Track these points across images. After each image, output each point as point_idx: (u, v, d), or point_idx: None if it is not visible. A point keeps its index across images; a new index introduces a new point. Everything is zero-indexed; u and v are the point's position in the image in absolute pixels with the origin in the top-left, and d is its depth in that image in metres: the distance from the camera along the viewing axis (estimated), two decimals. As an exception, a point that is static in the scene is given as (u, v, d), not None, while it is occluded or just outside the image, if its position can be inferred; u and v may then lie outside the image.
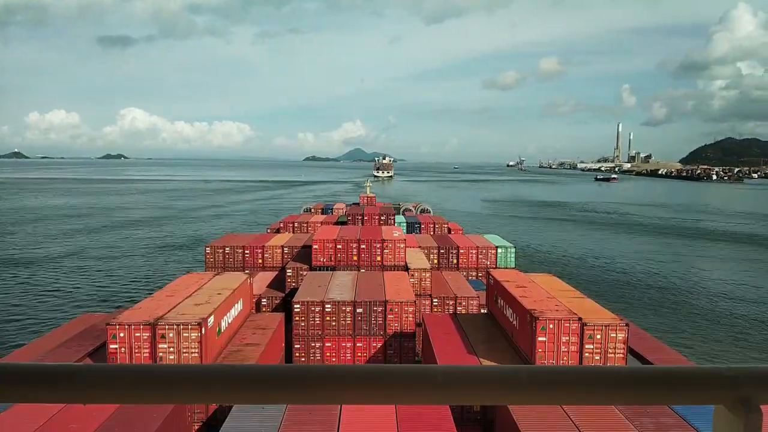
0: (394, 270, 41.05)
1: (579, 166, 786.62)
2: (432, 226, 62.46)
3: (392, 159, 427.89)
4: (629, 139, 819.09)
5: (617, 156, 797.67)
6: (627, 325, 24.66)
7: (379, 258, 42.40)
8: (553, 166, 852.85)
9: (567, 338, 24.27)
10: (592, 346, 24.29)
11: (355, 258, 42.37)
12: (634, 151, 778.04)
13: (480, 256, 48.49)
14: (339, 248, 42.52)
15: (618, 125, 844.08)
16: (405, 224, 62.33)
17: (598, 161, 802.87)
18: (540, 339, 24.22)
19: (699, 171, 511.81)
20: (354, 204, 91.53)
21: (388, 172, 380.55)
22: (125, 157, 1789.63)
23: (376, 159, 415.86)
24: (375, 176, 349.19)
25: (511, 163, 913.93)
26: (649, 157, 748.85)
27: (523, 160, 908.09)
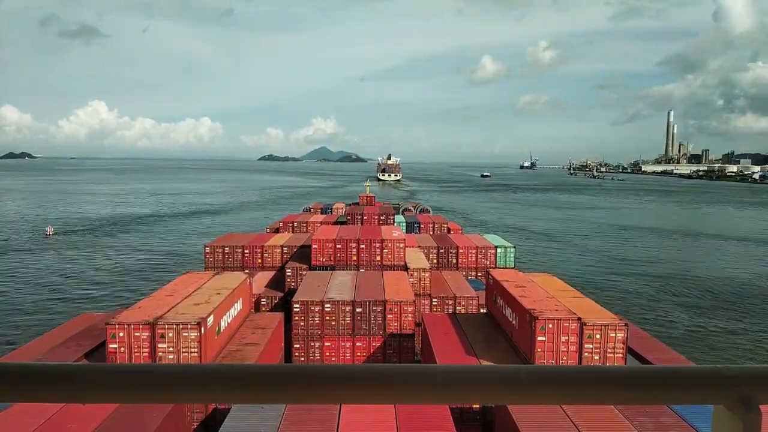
0: (393, 270, 41.03)
1: (645, 168, 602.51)
2: (431, 226, 62.49)
3: (398, 160, 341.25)
4: (672, 134, 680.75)
5: (684, 154, 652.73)
6: (626, 325, 24.69)
7: (378, 258, 42.39)
8: (602, 169, 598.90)
9: (566, 338, 24.28)
10: (591, 346, 24.30)
11: (355, 258, 42.36)
12: (697, 149, 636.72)
13: (479, 256, 48.51)
14: (338, 248, 42.52)
15: (669, 114, 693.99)
16: (404, 224, 62.37)
17: (656, 161, 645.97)
18: (539, 339, 24.23)
19: None
20: (353, 204, 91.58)
21: (395, 175, 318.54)
22: (31, 156, 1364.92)
23: (380, 159, 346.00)
24: (379, 179, 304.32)
25: (525, 164, 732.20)
26: (731, 155, 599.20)
27: (536, 160, 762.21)
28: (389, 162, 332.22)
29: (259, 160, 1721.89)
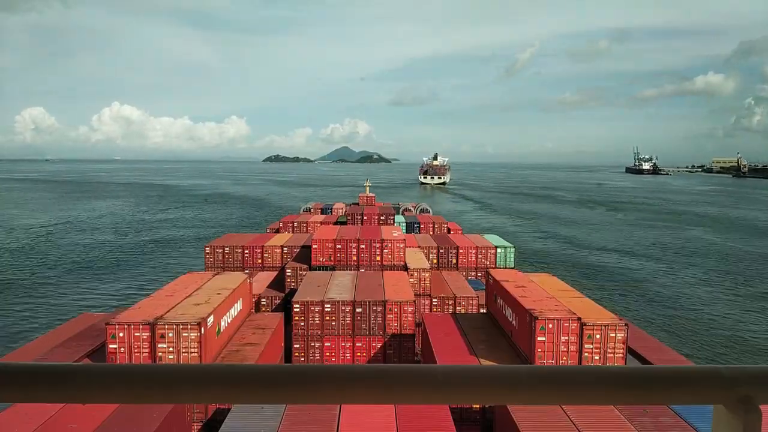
0: (393, 270, 41.04)
1: None
2: (431, 225, 62.48)
3: (446, 160, 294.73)
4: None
5: None
6: (626, 325, 24.69)
7: (378, 258, 42.40)
8: None
9: (566, 338, 24.28)
10: (591, 346, 24.31)
11: (355, 258, 42.38)
12: None
13: (479, 255, 48.52)
14: (338, 248, 42.53)
15: None
16: (404, 224, 62.37)
17: None
18: (539, 339, 24.24)
19: None
20: (353, 204, 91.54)
21: (440, 177, 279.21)
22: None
23: (425, 160, 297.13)
24: (422, 183, 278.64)
25: (645, 167, 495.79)
26: None
27: (655, 160, 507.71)
28: (435, 163, 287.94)
29: (263, 161, 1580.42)
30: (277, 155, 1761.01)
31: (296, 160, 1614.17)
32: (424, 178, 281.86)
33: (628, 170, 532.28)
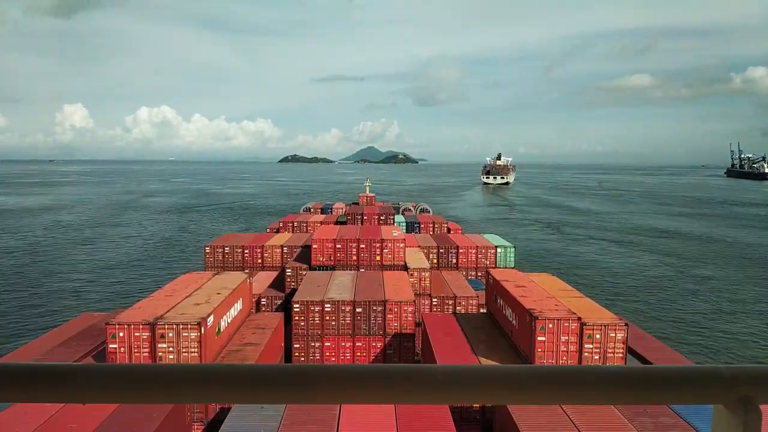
0: (393, 270, 41.04)
1: None
2: (431, 225, 62.48)
3: (510, 160, 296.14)
4: None
5: None
6: (626, 325, 24.69)
7: (378, 258, 42.40)
8: None
9: (566, 338, 24.29)
10: (591, 346, 24.31)
11: (355, 258, 42.38)
12: None
13: (479, 255, 48.53)
14: (338, 248, 42.54)
15: None
16: (404, 224, 62.36)
17: None
18: (539, 339, 24.24)
19: None
20: (353, 204, 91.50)
21: (503, 178, 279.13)
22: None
23: (489, 160, 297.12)
24: (485, 183, 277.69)
25: (766, 170, 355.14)
26: None
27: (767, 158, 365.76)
28: (498, 163, 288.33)
29: (279, 162, 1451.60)
30: (294, 155, 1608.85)
31: (315, 160, 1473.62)
32: (487, 178, 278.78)
33: (731, 173, 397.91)
